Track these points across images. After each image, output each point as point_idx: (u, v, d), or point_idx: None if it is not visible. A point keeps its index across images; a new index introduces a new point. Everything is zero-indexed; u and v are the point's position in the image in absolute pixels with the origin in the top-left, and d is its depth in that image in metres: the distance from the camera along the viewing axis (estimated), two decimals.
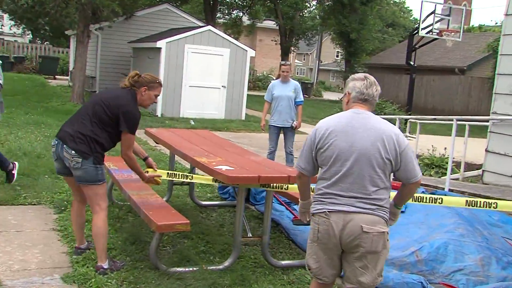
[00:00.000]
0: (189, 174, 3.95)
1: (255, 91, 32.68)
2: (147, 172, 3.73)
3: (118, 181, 4.29)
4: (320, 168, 2.52)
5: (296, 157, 6.54)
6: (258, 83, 33.46)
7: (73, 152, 3.31)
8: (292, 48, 28.65)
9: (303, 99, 6.66)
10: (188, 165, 6.78)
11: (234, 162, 3.78)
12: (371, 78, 2.55)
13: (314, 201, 2.50)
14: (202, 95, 13.10)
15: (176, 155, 4.60)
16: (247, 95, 14.16)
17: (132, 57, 14.81)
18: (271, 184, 3.56)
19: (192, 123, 11.75)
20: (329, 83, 50.29)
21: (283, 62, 6.71)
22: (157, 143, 5.04)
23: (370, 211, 2.36)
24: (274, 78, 35.28)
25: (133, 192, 4.00)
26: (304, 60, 62.11)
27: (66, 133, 3.39)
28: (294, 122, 6.64)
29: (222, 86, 13.18)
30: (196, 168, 4.98)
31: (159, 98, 12.59)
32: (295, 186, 3.64)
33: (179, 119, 12.28)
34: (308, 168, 2.56)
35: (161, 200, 3.89)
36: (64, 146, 3.35)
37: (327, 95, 33.72)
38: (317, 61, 34.26)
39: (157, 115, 12.57)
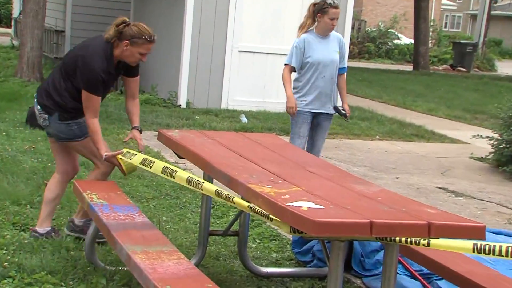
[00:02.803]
0: (220, 190, 3.97)
1: (362, 60, 32.52)
2: (123, 154, 5.05)
3: (108, 227, 4.42)
4: None
5: None
6: (368, 45, 33.32)
7: (39, 107, 5.25)
8: None
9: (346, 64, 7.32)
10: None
11: (323, 194, 3.80)
12: None
13: None
14: (263, 69, 13.25)
15: (215, 180, 4.67)
16: (348, 68, 14.02)
17: None
18: (395, 238, 3.52)
19: (244, 120, 11.93)
20: (510, 42, 49.07)
21: (331, 2, 6.88)
22: (180, 157, 5.12)
23: None
24: (394, 30, 34.86)
25: (136, 247, 4.10)
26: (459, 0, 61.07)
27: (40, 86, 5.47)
28: (342, 106, 7.19)
29: None
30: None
31: (183, 77, 12.80)
32: (443, 242, 3.57)
33: (220, 113, 12.50)
34: None
35: (187, 262, 3.96)
36: (35, 100, 5.35)
37: (506, 67, 32.90)
38: (487, 0, 33.48)
39: (179, 105, 12.89)
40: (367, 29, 34.36)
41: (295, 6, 13.04)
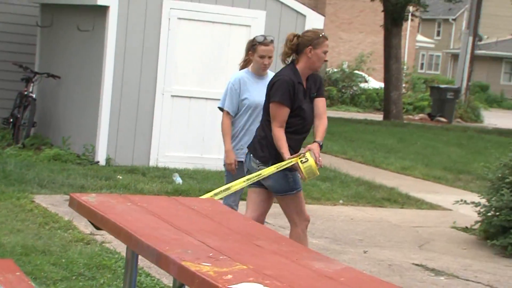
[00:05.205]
0: None
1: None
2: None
3: None
4: None
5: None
6: (329, 89, 33.70)
7: (257, 161, 6.71)
8: (411, 9, 28.88)
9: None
10: (168, 279, 6.78)
11: (275, 274, 3.79)
12: None
13: None
14: (202, 118, 13.31)
15: (141, 256, 4.62)
16: None
17: (40, 27, 15.26)
18: None
19: (178, 181, 11.92)
20: (497, 88, 50.17)
21: (260, 39, 7.45)
22: (97, 228, 5.08)
23: None
24: (364, 72, 35.38)
25: None
26: (439, 36, 62.50)
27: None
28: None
29: None
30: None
31: (102, 127, 12.69)
32: None
33: (148, 172, 12.48)
34: None
35: None
36: (250, 156, 6.84)
37: (493, 117, 33.51)
38: (471, 38, 34.33)
39: (97, 162, 12.84)
40: (327, 70, 34.78)
41: (240, 41, 12.90)
